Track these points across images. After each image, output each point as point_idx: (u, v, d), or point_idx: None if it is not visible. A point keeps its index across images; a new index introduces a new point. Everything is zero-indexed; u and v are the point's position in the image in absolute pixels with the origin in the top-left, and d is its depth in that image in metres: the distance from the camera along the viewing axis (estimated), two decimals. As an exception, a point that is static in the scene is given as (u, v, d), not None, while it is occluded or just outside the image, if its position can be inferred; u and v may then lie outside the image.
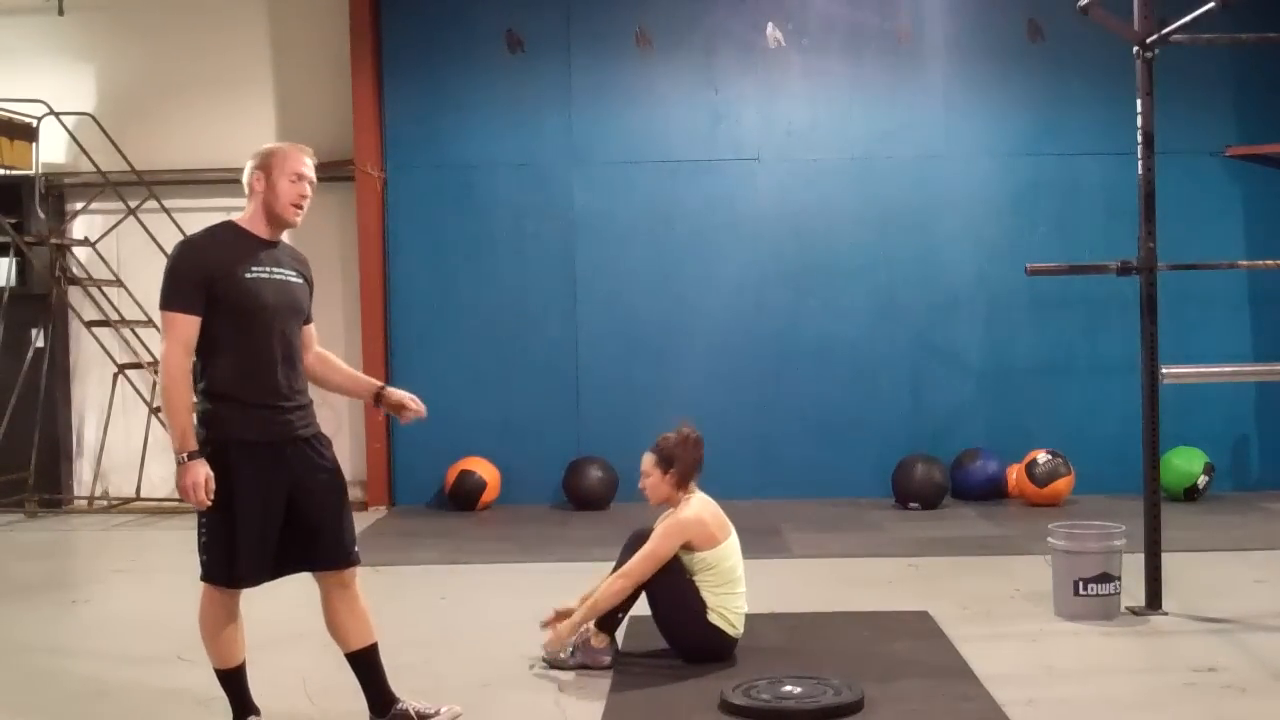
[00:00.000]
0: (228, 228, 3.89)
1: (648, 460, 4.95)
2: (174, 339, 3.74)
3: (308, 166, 3.86)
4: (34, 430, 9.17)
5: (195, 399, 3.78)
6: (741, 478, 9.16)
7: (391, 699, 4.04)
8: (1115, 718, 4.21)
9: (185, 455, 3.68)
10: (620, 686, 4.57)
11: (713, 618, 4.78)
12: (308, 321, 4.04)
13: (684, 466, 4.90)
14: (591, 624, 4.79)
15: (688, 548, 4.81)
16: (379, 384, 4.22)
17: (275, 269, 3.85)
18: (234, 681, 3.98)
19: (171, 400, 3.76)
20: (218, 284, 3.72)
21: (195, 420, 3.77)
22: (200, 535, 3.80)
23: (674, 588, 4.79)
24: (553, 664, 4.78)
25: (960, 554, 7.10)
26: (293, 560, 3.90)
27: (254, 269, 3.78)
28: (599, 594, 4.80)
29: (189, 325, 3.74)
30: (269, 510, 3.78)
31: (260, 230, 3.87)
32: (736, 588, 4.86)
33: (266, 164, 3.83)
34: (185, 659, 5.10)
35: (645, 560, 4.77)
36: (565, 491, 9.10)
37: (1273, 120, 9.21)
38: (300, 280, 3.95)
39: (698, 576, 4.82)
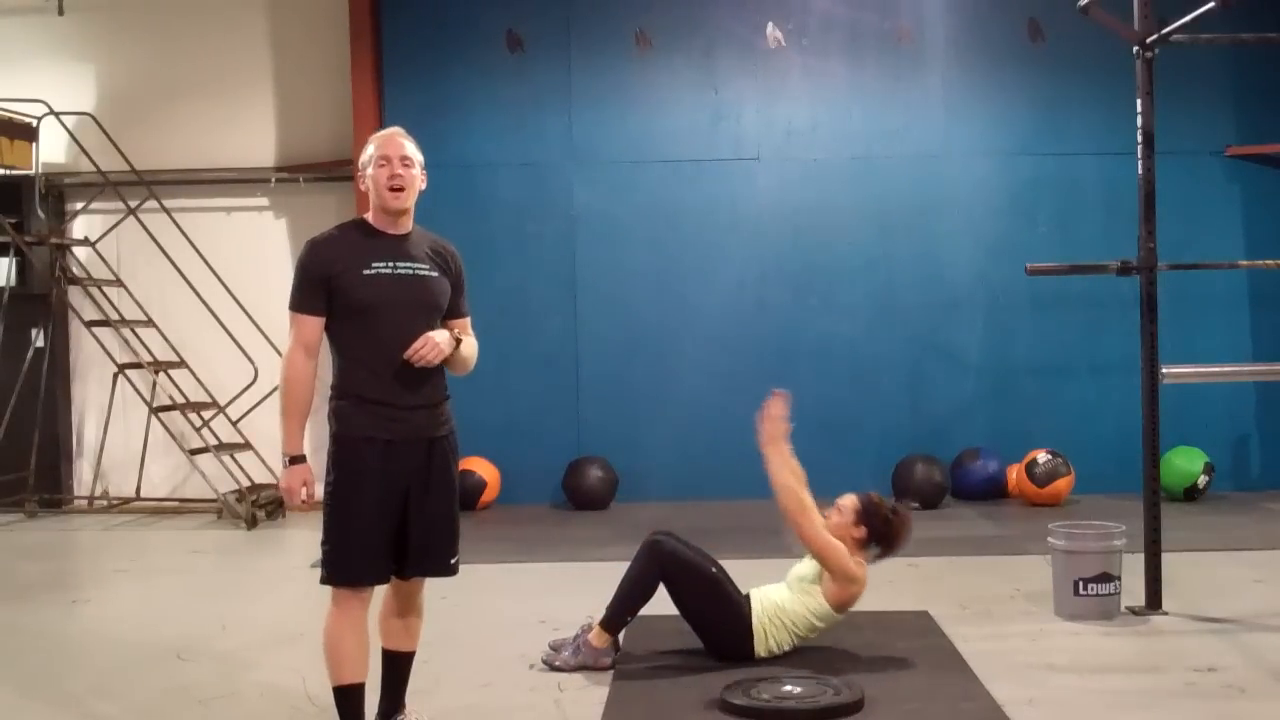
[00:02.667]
0: (355, 224, 3.83)
1: (850, 502, 4.96)
2: (294, 339, 3.70)
3: (394, 146, 3.75)
4: (34, 430, 9.18)
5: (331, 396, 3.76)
6: (741, 478, 9.12)
7: (400, 707, 4.01)
8: (1115, 718, 4.21)
9: (288, 458, 3.68)
10: (620, 686, 4.57)
11: (756, 625, 4.78)
12: (455, 316, 3.93)
13: (878, 535, 4.91)
14: (595, 623, 4.79)
15: (823, 587, 4.80)
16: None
17: (400, 263, 3.72)
18: (349, 701, 3.77)
19: (283, 400, 3.70)
20: (336, 282, 3.65)
21: (328, 417, 3.74)
22: (323, 536, 3.71)
23: (693, 574, 4.78)
24: (552, 665, 4.78)
25: (960, 554, 7.10)
26: (399, 561, 3.79)
27: (374, 265, 3.68)
28: (795, 487, 4.83)
29: (309, 326, 3.69)
30: (386, 508, 3.69)
31: (382, 224, 3.78)
32: (792, 639, 4.83)
33: (363, 160, 3.78)
34: (185, 659, 5.11)
35: (823, 535, 4.77)
36: (565, 491, 9.10)
37: (1273, 120, 9.22)
38: (435, 274, 3.80)
39: (790, 603, 4.81)
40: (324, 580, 3.72)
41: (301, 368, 3.68)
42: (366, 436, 3.68)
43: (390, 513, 3.70)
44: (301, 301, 3.70)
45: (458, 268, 3.94)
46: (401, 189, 3.74)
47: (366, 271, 3.67)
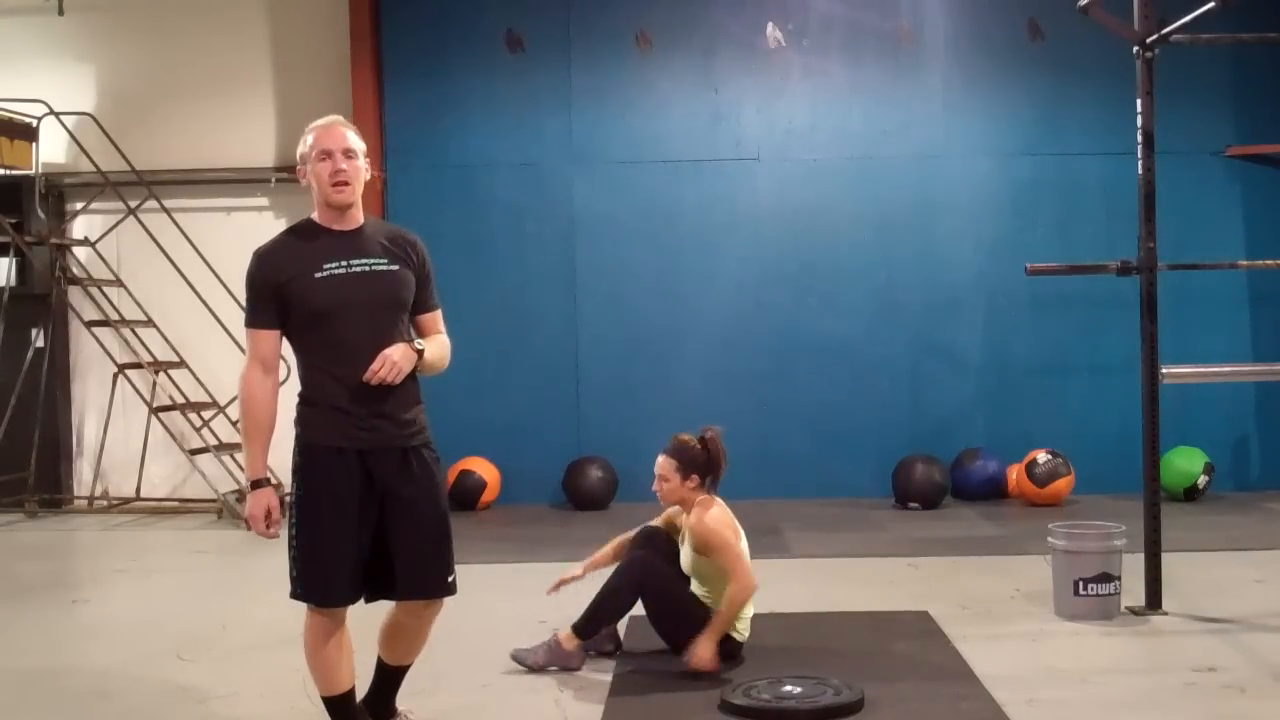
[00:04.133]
0: (303, 226, 3.62)
1: (665, 465, 4.86)
2: (250, 356, 3.54)
3: (336, 138, 3.53)
4: (34, 430, 9.18)
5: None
6: (741, 478, 9.01)
7: (391, 712, 3.97)
8: (1115, 718, 4.21)
9: (249, 483, 3.53)
10: (620, 686, 4.57)
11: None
12: (422, 310, 3.70)
13: (705, 471, 4.87)
14: (567, 626, 4.78)
15: (702, 552, 4.77)
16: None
17: (355, 260, 3.52)
18: (340, 710, 3.69)
19: (243, 421, 3.56)
20: (287, 290, 3.47)
21: (295, 425, 3.59)
22: (289, 550, 3.56)
23: (670, 594, 4.78)
24: (522, 662, 4.75)
25: (960, 554, 7.10)
26: (381, 584, 3.63)
27: (326, 266, 3.48)
28: (726, 609, 4.64)
29: (264, 341, 3.52)
30: (360, 521, 3.52)
31: (329, 221, 3.58)
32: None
33: (303, 152, 3.57)
34: (185, 659, 5.11)
35: (741, 563, 4.72)
36: (565, 491, 9.10)
37: (1273, 120, 9.21)
38: (395, 267, 3.58)
39: (712, 583, 4.78)
40: (293, 596, 3.59)
41: (259, 385, 3.51)
42: (335, 446, 3.51)
43: (362, 528, 3.54)
44: (254, 317, 3.53)
45: (421, 258, 3.71)
46: (346, 184, 3.53)
47: (319, 274, 3.48)
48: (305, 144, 3.59)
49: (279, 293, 3.49)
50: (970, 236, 9.32)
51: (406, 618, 3.74)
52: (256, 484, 3.52)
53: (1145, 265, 5.54)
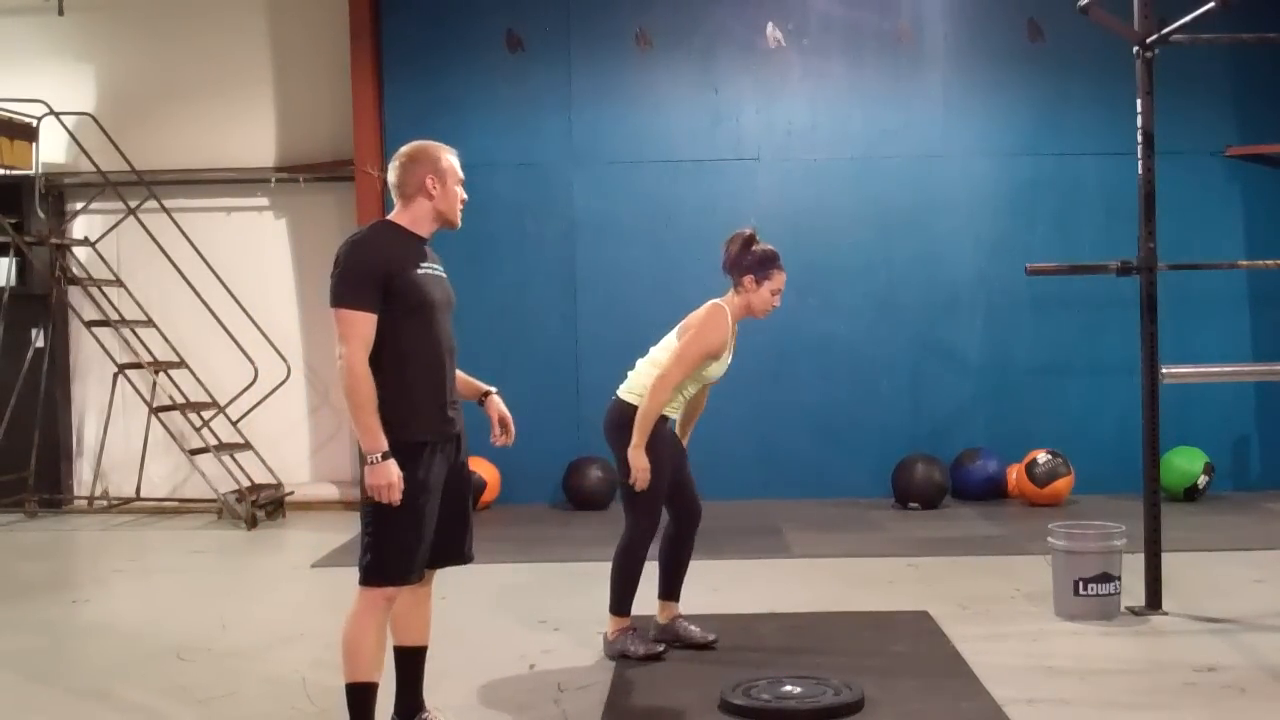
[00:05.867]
0: (389, 227, 3.82)
1: (774, 284, 5.38)
2: (354, 337, 3.63)
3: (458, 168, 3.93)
4: (34, 430, 9.18)
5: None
6: (741, 478, 9.17)
7: (420, 706, 4.03)
8: (1115, 718, 4.21)
9: (379, 455, 3.62)
10: (620, 686, 4.58)
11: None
12: None
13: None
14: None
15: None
16: (486, 389, 4.19)
17: (433, 266, 3.85)
18: (366, 699, 3.75)
19: (358, 399, 3.63)
20: (394, 281, 3.66)
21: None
22: (367, 534, 3.70)
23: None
24: (627, 656, 4.89)
25: (960, 554, 7.10)
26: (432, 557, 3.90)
27: (422, 266, 3.77)
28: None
29: (367, 324, 3.64)
30: (436, 507, 3.80)
31: (422, 230, 3.84)
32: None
33: (439, 169, 3.81)
34: (185, 659, 5.11)
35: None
36: (565, 491, 9.10)
37: (1273, 120, 9.21)
38: (446, 275, 3.96)
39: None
40: (371, 582, 3.68)
41: (364, 364, 3.63)
42: (425, 441, 3.75)
43: (438, 510, 3.81)
44: (360, 299, 3.63)
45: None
46: None
47: (419, 271, 3.75)
48: (443, 160, 3.85)
49: (387, 282, 3.67)
50: (970, 236, 9.32)
51: (424, 589, 3.99)
52: (385, 455, 3.64)
53: (1145, 265, 5.55)
